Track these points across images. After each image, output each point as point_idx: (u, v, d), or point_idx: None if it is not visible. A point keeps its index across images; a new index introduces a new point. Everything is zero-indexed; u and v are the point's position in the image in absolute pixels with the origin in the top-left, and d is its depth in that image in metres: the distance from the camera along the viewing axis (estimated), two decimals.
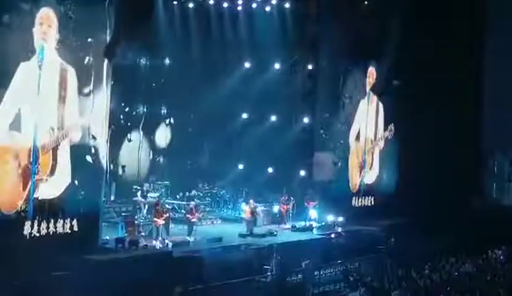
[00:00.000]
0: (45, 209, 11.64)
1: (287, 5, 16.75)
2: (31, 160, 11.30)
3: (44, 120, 11.59)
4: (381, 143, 18.49)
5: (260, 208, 15.96)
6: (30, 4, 11.16)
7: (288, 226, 16.09)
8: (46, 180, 11.64)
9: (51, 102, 11.76)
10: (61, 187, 11.99)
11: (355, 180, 17.86)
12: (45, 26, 11.38)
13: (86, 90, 12.30)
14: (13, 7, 10.78)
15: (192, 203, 15.54)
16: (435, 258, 14.23)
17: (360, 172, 17.95)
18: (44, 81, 11.42)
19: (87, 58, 12.20)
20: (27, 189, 11.30)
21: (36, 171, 11.37)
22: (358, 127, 17.80)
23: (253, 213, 15.59)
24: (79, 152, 12.25)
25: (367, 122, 18.14)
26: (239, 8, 16.67)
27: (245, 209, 15.76)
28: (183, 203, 15.71)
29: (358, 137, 17.84)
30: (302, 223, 16.25)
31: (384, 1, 17.16)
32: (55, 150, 11.82)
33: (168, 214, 14.68)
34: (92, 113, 12.22)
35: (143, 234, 13.93)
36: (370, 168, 18.22)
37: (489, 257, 14.26)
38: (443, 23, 17.07)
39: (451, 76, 17.76)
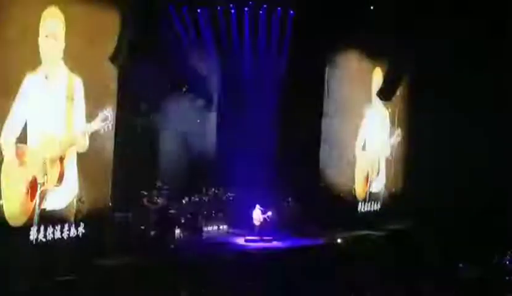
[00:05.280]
0: (53, 218, 11.85)
1: (291, 12, 16.89)
2: (38, 171, 11.50)
3: (51, 130, 11.79)
4: (388, 151, 18.50)
5: (267, 213, 16.06)
6: (35, 14, 11.33)
7: (294, 230, 16.19)
8: (53, 190, 11.84)
9: (58, 111, 11.94)
10: (69, 196, 12.21)
11: (362, 188, 17.88)
12: (51, 37, 11.54)
13: (93, 100, 12.49)
14: (18, 18, 10.90)
15: (199, 208, 15.76)
16: (442, 263, 14.22)
17: (367, 181, 17.97)
18: (51, 91, 11.60)
19: (94, 67, 12.39)
20: (34, 200, 11.50)
21: (44, 182, 11.58)
22: (365, 135, 17.81)
23: (259, 218, 15.75)
24: (86, 160, 12.45)
25: (374, 129, 18.14)
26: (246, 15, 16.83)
27: (252, 214, 15.91)
28: (189, 207, 15.86)
29: (364, 145, 17.83)
30: (308, 228, 16.35)
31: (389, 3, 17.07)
32: (62, 159, 12.02)
33: (174, 219, 14.91)
34: (99, 119, 12.39)
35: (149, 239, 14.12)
36: (377, 176, 18.24)
37: (496, 262, 14.22)
38: (455, 22, 16.92)
39: (462, 78, 17.63)
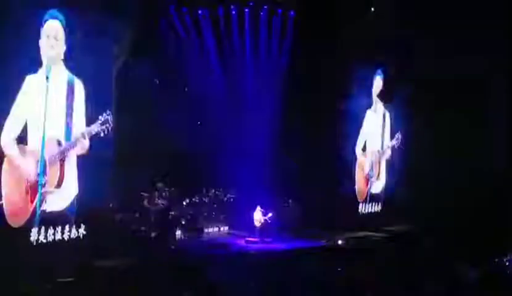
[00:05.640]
0: (53, 220, 11.87)
1: (292, 13, 16.92)
2: (38, 172, 11.51)
3: (52, 132, 11.80)
4: (388, 152, 18.49)
5: (268, 215, 16.04)
6: (36, 16, 11.36)
7: (294, 232, 16.18)
8: (53, 192, 11.86)
9: (58, 113, 11.97)
10: (69, 198, 12.23)
11: (362, 190, 17.87)
12: (52, 39, 11.58)
13: (94, 101, 12.50)
14: (19, 20, 10.94)
15: (199, 209, 15.78)
16: (442, 264, 14.19)
17: (367, 183, 17.96)
18: (51, 93, 11.58)
19: (94, 69, 12.39)
20: (34, 202, 11.52)
21: (44, 183, 11.59)
22: (365, 137, 17.78)
23: (260, 219, 15.76)
24: (86, 161, 12.46)
25: (374, 131, 18.11)
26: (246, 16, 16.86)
27: (252, 215, 15.91)
28: (190, 209, 15.86)
29: (364, 148, 17.81)
30: (308, 229, 16.35)
31: (390, 6, 17.06)
32: (62, 161, 12.03)
33: (175, 220, 14.92)
34: (99, 123, 12.39)
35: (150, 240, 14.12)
36: (377, 178, 18.24)
37: (497, 262, 14.19)
38: (456, 23, 16.90)
39: (462, 79, 17.60)
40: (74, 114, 12.22)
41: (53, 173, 11.86)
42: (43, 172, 11.55)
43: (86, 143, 12.40)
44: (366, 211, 18.01)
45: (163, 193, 15.30)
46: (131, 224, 14.46)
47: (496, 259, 13.99)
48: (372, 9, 17.00)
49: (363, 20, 16.75)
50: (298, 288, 12.97)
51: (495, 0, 16.64)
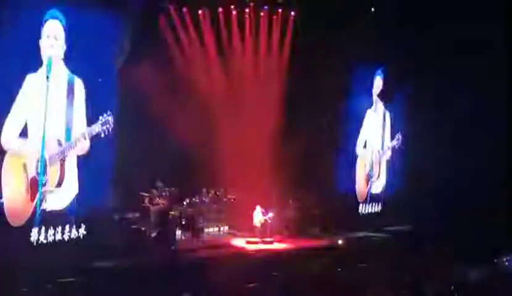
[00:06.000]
0: (53, 219, 11.88)
1: (292, 13, 16.92)
2: (39, 171, 11.52)
3: (52, 131, 11.82)
4: (388, 152, 18.50)
5: (268, 215, 16.05)
6: (37, 16, 11.39)
7: (294, 232, 16.18)
8: (54, 191, 11.88)
9: (59, 113, 12.02)
10: (69, 197, 12.24)
11: (362, 190, 17.90)
12: (52, 38, 11.62)
13: (94, 101, 12.50)
14: (19, 20, 10.97)
15: (199, 209, 15.76)
16: (442, 264, 14.19)
17: (367, 183, 17.98)
18: (52, 92, 11.64)
19: (95, 69, 12.40)
20: (35, 201, 11.53)
21: (44, 183, 11.60)
22: (365, 137, 17.81)
23: (260, 219, 15.76)
24: (86, 161, 12.47)
25: (374, 131, 18.14)
26: (246, 16, 16.84)
27: (252, 216, 15.91)
28: (190, 209, 15.86)
29: (364, 147, 17.83)
30: (309, 229, 16.35)
31: (391, 6, 17.05)
32: (63, 160, 12.05)
33: (175, 220, 14.92)
34: (100, 124, 12.40)
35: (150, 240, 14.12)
36: (377, 178, 18.25)
37: (497, 262, 14.20)
38: (456, 23, 16.91)
39: (463, 79, 17.62)
40: (74, 114, 12.26)
41: (53, 172, 11.89)
42: (43, 171, 11.56)
43: (87, 144, 12.42)
44: (366, 211, 18.06)
45: (163, 193, 15.31)
46: (131, 224, 14.45)
47: (496, 259, 14.02)
48: (372, 9, 16.99)
49: (363, 20, 16.79)
50: (299, 287, 13.00)
51: (495, 0, 16.66)
